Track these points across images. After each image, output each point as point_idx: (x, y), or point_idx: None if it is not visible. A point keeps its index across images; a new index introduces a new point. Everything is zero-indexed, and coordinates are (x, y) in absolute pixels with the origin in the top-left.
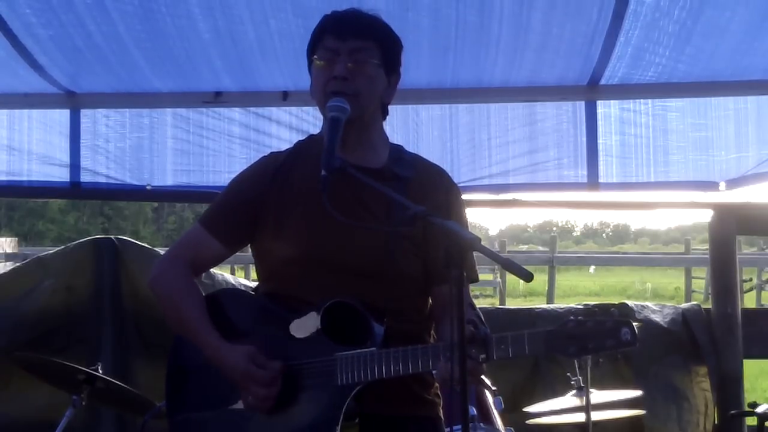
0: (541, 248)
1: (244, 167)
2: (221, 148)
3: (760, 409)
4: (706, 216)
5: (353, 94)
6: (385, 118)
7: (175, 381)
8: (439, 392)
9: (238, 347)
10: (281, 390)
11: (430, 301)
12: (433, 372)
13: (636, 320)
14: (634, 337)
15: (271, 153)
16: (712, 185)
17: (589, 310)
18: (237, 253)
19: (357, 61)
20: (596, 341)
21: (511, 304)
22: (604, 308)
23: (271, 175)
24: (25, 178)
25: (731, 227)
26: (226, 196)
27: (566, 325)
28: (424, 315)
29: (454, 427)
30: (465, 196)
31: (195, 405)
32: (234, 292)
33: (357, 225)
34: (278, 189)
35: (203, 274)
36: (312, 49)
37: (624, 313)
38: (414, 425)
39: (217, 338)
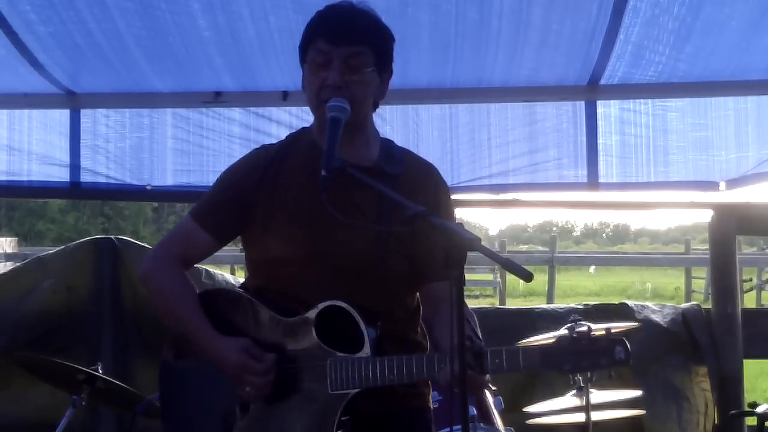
0: (541, 248)
1: (232, 164)
2: (221, 148)
3: (760, 409)
4: (706, 216)
5: (348, 101)
6: (375, 110)
7: (168, 381)
8: (428, 382)
9: (232, 340)
10: (272, 397)
11: (419, 298)
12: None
13: (636, 320)
14: (627, 355)
15: (263, 146)
16: (712, 185)
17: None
18: (237, 253)
19: (351, 67)
20: (590, 359)
21: (511, 304)
22: (604, 309)
23: (263, 168)
24: (25, 178)
25: (731, 227)
26: (218, 188)
27: (561, 341)
28: (411, 313)
29: (454, 427)
30: (465, 196)
31: (189, 406)
32: (228, 293)
33: (357, 224)
34: (268, 183)
35: (204, 274)
36: (304, 48)
37: (624, 313)
38: (400, 419)
39: (211, 331)
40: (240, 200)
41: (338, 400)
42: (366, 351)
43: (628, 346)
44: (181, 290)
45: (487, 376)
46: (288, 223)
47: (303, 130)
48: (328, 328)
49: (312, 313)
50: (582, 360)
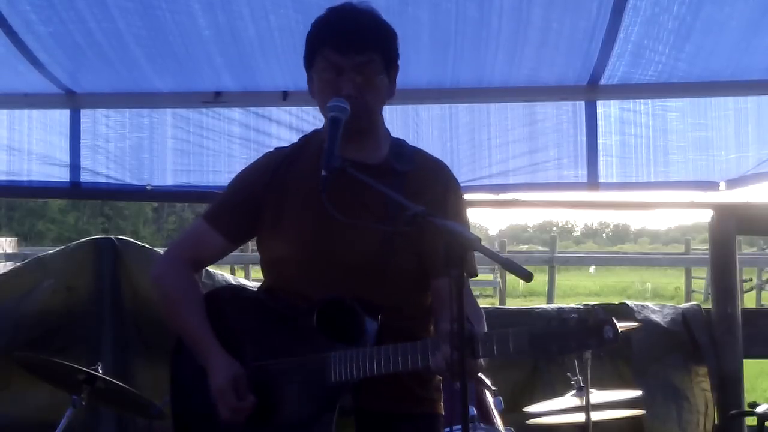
0: (541, 248)
1: (244, 167)
2: (221, 148)
3: (760, 409)
4: (706, 216)
5: (363, 109)
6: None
7: (179, 381)
8: (440, 387)
9: (229, 363)
10: (274, 390)
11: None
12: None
13: (636, 320)
14: (616, 335)
15: (276, 149)
16: (712, 185)
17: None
18: (237, 253)
19: (363, 75)
20: (578, 340)
21: (511, 304)
22: (603, 309)
23: (273, 171)
24: (25, 178)
25: (731, 227)
26: (230, 191)
27: (550, 323)
28: (424, 311)
29: (454, 427)
30: (465, 196)
31: (198, 405)
32: (233, 289)
33: (357, 224)
34: (278, 185)
35: (203, 274)
36: (311, 56)
37: (624, 313)
38: (410, 423)
39: (211, 342)
40: (251, 202)
41: (338, 390)
42: (365, 341)
43: (617, 326)
44: (187, 297)
45: (481, 361)
46: (294, 223)
47: (315, 132)
48: (332, 325)
49: (314, 308)
50: (570, 341)
